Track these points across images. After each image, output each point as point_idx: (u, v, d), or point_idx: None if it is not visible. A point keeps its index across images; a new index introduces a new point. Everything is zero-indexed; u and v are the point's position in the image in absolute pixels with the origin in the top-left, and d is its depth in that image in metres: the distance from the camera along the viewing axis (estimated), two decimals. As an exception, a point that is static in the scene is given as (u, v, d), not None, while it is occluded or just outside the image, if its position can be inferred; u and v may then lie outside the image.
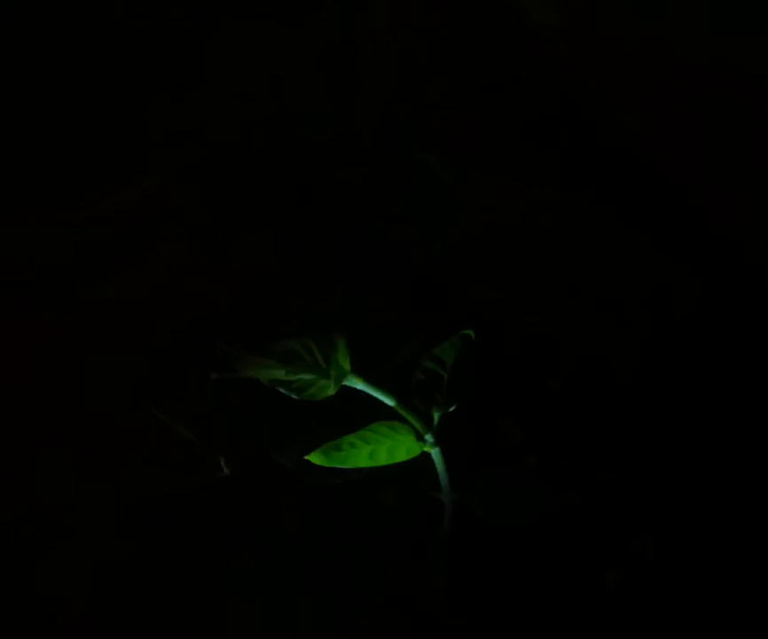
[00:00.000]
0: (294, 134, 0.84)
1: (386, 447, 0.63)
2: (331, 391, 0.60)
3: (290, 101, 0.84)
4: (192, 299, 0.80)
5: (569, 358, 0.78)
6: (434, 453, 0.65)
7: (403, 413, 0.63)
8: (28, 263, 0.80)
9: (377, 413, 0.64)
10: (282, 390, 0.60)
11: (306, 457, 0.62)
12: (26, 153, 0.84)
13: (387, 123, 0.85)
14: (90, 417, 0.76)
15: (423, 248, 0.80)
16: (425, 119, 0.85)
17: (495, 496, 0.69)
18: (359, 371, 0.61)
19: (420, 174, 0.80)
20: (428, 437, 0.63)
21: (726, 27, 0.79)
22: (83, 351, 0.78)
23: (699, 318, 0.79)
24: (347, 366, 0.61)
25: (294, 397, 0.60)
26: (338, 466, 0.63)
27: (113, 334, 0.79)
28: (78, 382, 0.78)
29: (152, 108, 0.84)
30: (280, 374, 0.60)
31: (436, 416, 0.64)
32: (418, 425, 0.63)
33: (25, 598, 0.70)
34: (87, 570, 0.71)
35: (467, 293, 0.81)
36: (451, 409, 0.64)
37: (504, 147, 0.84)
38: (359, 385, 0.62)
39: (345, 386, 0.61)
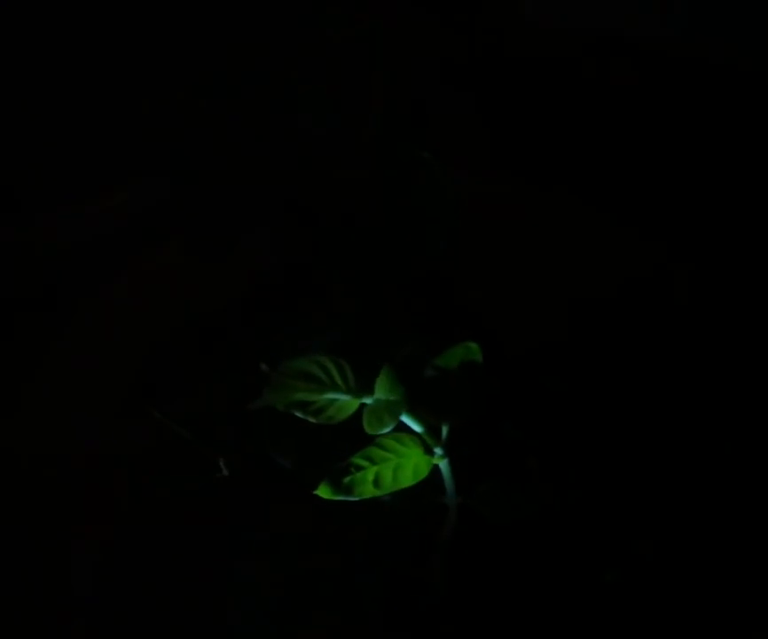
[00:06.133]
0: (295, 135, 0.83)
1: (391, 468, 0.61)
2: (348, 413, 0.59)
3: (291, 102, 0.84)
4: (191, 299, 0.79)
5: (569, 358, 0.79)
6: (443, 463, 0.64)
7: (415, 427, 0.62)
8: (28, 265, 0.80)
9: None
10: (298, 413, 0.59)
11: (315, 492, 0.60)
12: (24, 154, 0.83)
13: (387, 123, 0.84)
14: (89, 418, 0.76)
15: (423, 249, 0.79)
16: (425, 119, 0.84)
17: (496, 497, 0.68)
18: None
19: (420, 174, 0.79)
20: (438, 450, 0.63)
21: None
22: (83, 352, 0.78)
23: (698, 315, 0.80)
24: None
25: (311, 420, 0.59)
26: (344, 499, 0.60)
27: (113, 334, 0.79)
28: (78, 382, 0.77)
29: (151, 108, 0.83)
30: (301, 396, 0.58)
31: (445, 429, 0.63)
32: (427, 438, 0.62)
33: (24, 599, 0.70)
34: (86, 571, 0.71)
35: (467, 294, 0.81)
36: (461, 421, 0.63)
37: (504, 148, 0.84)
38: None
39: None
